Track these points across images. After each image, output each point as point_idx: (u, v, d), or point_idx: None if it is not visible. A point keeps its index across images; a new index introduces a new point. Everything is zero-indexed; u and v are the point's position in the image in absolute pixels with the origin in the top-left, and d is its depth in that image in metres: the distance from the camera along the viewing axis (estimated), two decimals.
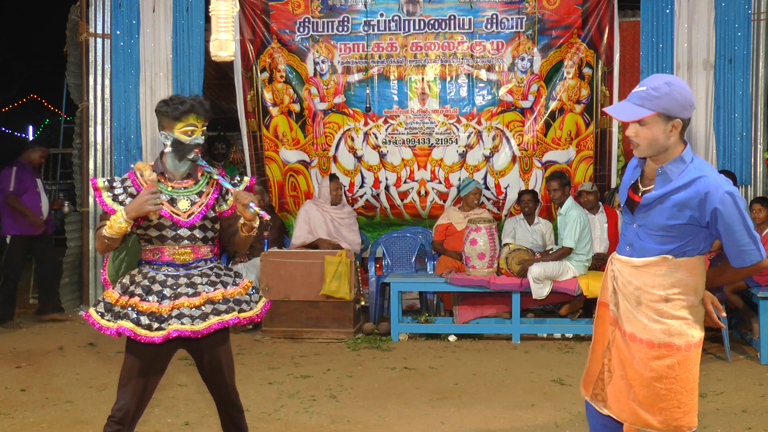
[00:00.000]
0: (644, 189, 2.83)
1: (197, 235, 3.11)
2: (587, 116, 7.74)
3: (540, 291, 6.47)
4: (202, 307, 3.02)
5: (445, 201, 7.92)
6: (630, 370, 2.83)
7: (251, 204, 3.02)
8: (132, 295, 3.02)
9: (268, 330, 6.76)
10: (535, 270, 6.44)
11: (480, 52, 7.81)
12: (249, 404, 4.61)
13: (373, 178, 7.97)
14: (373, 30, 7.87)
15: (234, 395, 3.26)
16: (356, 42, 7.89)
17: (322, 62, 7.90)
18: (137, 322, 2.95)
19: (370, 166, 7.96)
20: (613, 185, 7.68)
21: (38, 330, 7.17)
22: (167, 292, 3.01)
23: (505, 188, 7.89)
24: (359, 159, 7.96)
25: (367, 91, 7.91)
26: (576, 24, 7.65)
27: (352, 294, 6.69)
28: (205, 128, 3.14)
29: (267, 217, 3.05)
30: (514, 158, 7.85)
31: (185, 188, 3.14)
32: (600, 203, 7.24)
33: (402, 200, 8.00)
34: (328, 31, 7.89)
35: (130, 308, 2.99)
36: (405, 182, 7.96)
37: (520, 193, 7.39)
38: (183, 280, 3.05)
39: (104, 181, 3.10)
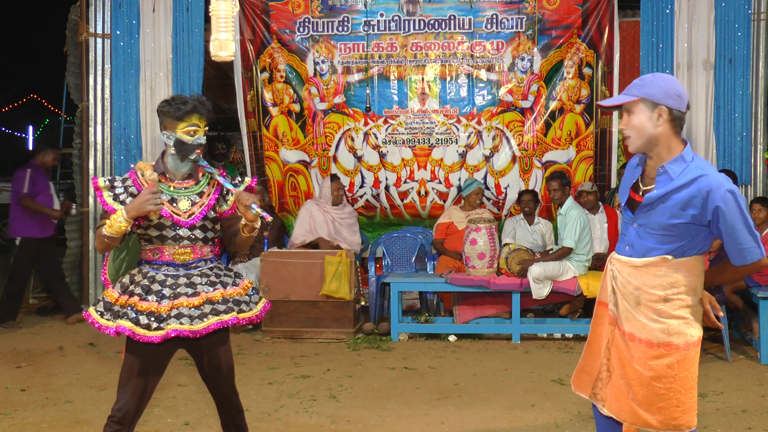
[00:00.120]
0: (645, 188, 2.83)
1: (197, 235, 3.11)
2: (587, 116, 7.74)
3: (540, 291, 6.47)
4: (201, 308, 3.02)
5: (445, 201, 7.92)
6: (629, 370, 2.84)
7: (253, 205, 3.02)
8: (131, 294, 3.02)
9: (268, 330, 6.76)
10: (535, 270, 6.44)
11: (480, 52, 7.81)
12: (249, 404, 4.61)
13: (373, 178, 7.96)
14: (373, 30, 7.87)
15: (234, 395, 3.26)
16: (356, 42, 7.88)
17: (322, 62, 7.90)
18: (136, 322, 2.96)
19: (370, 166, 7.96)
20: (613, 185, 7.68)
21: (38, 330, 7.17)
22: (167, 291, 3.01)
23: (505, 188, 7.89)
24: (359, 159, 7.96)
25: (367, 91, 7.91)
26: (576, 24, 7.65)
27: (352, 294, 6.69)
28: (206, 128, 3.14)
29: (269, 218, 3.05)
30: (514, 158, 7.85)
31: (186, 188, 3.14)
32: (600, 203, 7.24)
33: (402, 200, 8.00)
34: (328, 31, 7.89)
35: (129, 308, 2.99)
36: (405, 182, 7.96)
37: (520, 193, 7.39)
38: (182, 280, 3.05)
39: (105, 181, 3.11)
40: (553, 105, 7.76)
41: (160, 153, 3.19)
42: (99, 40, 7.90)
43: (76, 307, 7.39)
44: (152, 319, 2.96)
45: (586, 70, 7.71)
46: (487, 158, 7.87)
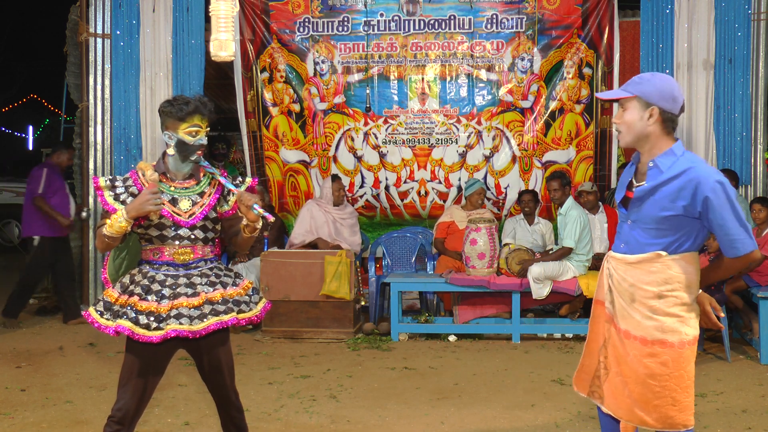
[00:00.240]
0: (637, 184, 2.86)
1: (198, 236, 3.12)
2: (587, 116, 7.74)
3: (540, 291, 6.47)
4: (201, 308, 3.02)
5: (445, 201, 7.92)
6: (625, 368, 2.85)
7: (255, 205, 3.02)
8: (131, 294, 3.02)
9: (268, 330, 6.76)
10: (535, 270, 6.44)
11: (480, 52, 7.81)
12: (249, 404, 4.61)
13: (373, 178, 7.96)
14: (373, 30, 7.86)
15: (234, 395, 3.26)
16: (356, 42, 7.88)
17: (322, 62, 7.90)
18: (136, 322, 2.96)
19: (370, 166, 7.96)
20: (613, 185, 7.67)
21: (38, 330, 7.17)
22: (166, 291, 3.01)
23: (505, 188, 7.89)
24: (359, 159, 7.96)
25: (367, 91, 7.91)
26: (576, 24, 7.65)
27: (352, 294, 6.69)
28: (208, 129, 3.15)
29: (271, 219, 3.05)
30: (514, 158, 7.85)
31: (187, 188, 3.15)
32: (600, 203, 7.24)
33: (402, 200, 8.00)
34: (328, 31, 7.89)
35: (129, 307, 2.99)
36: (405, 182, 7.96)
37: (521, 193, 7.39)
38: (182, 280, 3.05)
39: (106, 180, 3.11)
40: (553, 105, 7.76)
41: (161, 153, 3.19)
42: (99, 40, 7.90)
43: (77, 312, 7.39)
44: (152, 319, 2.96)
45: (586, 70, 7.71)
46: (487, 158, 7.87)
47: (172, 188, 3.13)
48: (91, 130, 7.92)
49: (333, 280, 6.61)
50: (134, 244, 3.13)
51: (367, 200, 8.01)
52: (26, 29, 21.49)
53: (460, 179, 7.87)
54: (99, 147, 7.94)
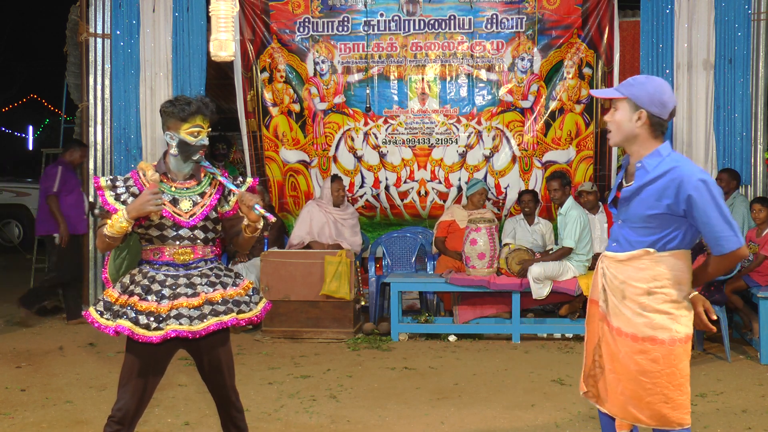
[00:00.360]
0: (626, 185, 2.93)
1: (198, 236, 3.12)
2: (587, 116, 7.74)
3: (540, 291, 6.48)
4: (201, 308, 3.02)
5: (445, 201, 7.92)
6: (617, 365, 2.88)
7: (256, 206, 3.03)
8: (131, 294, 3.02)
9: (268, 330, 6.76)
10: (535, 270, 6.45)
11: (480, 52, 7.81)
12: (249, 404, 4.61)
13: (373, 178, 7.97)
14: (373, 30, 7.87)
15: (234, 395, 3.26)
16: (356, 42, 7.88)
17: (322, 62, 7.90)
18: (135, 322, 2.96)
19: (370, 166, 7.96)
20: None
21: (38, 330, 7.17)
22: (166, 292, 3.01)
23: (505, 188, 7.89)
24: (359, 159, 7.96)
25: (367, 91, 7.91)
26: (576, 24, 7.65)
27: (352, 294, 6.69)
28: (210, 129, 3.15)
29: (272, 219, 3.06)
30: (514, 158, 7.85)
31: (188, 189, 3.15)
32: (600, 203, 7.24)
33: (402, 200, 8.00)
34: (328, 31, 7.89)
35: (128, 307, 2.99)
36: (405, 182, 7.96)
37: (521, 193, 7.39)
38: (182, 281, 3.05)
39: (107, 180, 3.11)
40: (553, 105, 7.77)
41: (162, 153, 3.19)
42: (99, 40, 7.90)
43: (78, 312, 7.39)
44: (151, 319, 2.96)
45: (586, 70, 7.71)
46: (487, 158, 7.87)
47: (173, 188, 3.13)
48: (91, 130, 7.93)
49: (333, 280, 6.61)
50: (135, 244, 3.13)
51: (367, 200, 8.01)
52: (26, 29, 21.49)
53: (460, 179, 7.87)
54: (99, 147, 7.95)
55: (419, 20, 7.82)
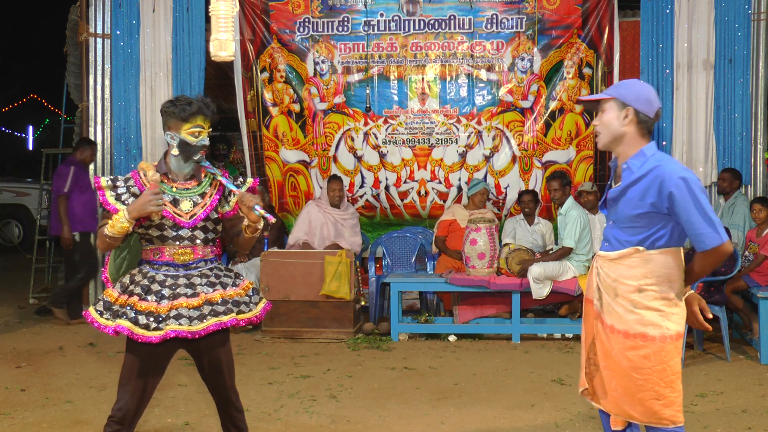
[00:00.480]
0: (614, 186, 3.00)
1: (198, 236, 3.12)
2: (587, 116, 7.74)
3: (540, 291, 6.47)
4: (201, 308, 3.02)
5: (445, 201, 7.92)
6: (611, 362, 2.93)
7: (256, 206, 3.03)
8: (131, 294, 3.02)
9: (268, 330, 6.76)
10: (535, 270, 6.44)
11: (480, 52, 7.81)
12: (249, 404, 4.61)
13: (373, 178, 7.97)
14: (373, 30, 7.87)
15: (234, 395, 3.26)
16: (356, 42, 7.89)
17: (322, 62, 7.90)
18: (135, 322, 2.95)
19: (370, 166, 7.96)
20: None
21: (38, 330, 7.17)
22: (166, 292, 3.01)
23: (505, 188, 7.89)
24: (359, 159, 7.96)
25: (367, 91, 7.91)
26: (576, 24, 7.65)
27: (352, 294, 6.69)
28: (210, 129, 3.15)
29: (272, 219, 3.06)
30: (514, 158, 7.85)
31: (188, 189, 3.15)
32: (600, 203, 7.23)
33: (402, 200, 8.00)
34: (328, 31, 7.89)
35: (128, 307, 2.99)
36: (405, 182, 7.96)
37: (521, 194, 7.39)
38: (182, 281, 3.05)
39: (108, 180, 3.11)
40: (553, 105, 7.77)
41: (163, 153, 3.19)
42: (99, 40, 7.90)
43: (79, 312, 7.39)
44: (151, 319, 2.96)
45: (586, 70, 7.71)
46: (487, 158, 7.87)
47: (174, 189, 3.13)
48: (91, 130, 7.92)
49: (333, 280, 6.61)
50: (135, 244, 3.13)
51: (367, 200, 8.01)
52: (26, 29, 21.49)
53: (460, 179, 7.87)
54: (99, 147, 7.94)
55: (419, 20, 7.82)
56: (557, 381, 5.34)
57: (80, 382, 5.37)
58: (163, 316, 2.96)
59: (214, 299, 3.06)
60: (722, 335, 5.98)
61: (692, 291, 2.95)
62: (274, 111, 8.00)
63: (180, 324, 2.96)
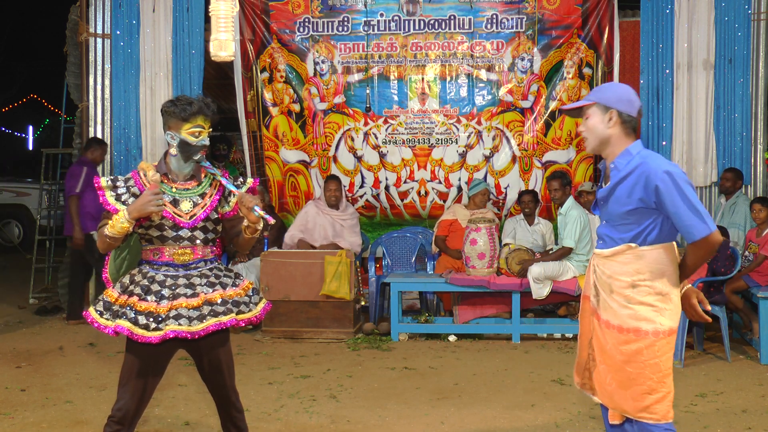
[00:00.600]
0: (604, 187, 3.08)
1: (198, 236, 3.12)
2: None
3: (540, 291, 6.47)
4: (200, 309, 3.02)
5: (445, 201, 7.92)
6: (605, 356, 2.99)
7: (255, 207, 3.02)
8: (131, 294, 3.02)
9: (268, 330, 6.76)
10: (535, 270, 6.44)
11: (480, 52, 7.81)
12: (249, 404, 4.61)
13: (373, 178, 7.97)
14: (373, 30, 7.87)
15: (234, 395, 3.26)
16: (356, 42, 7.89)
17: (322, 62, 7.90)
18: (135, 322, 2.96)
19: (370, 166, 7.96)
20: None
21: (38, 330, 7.17)
22: (166, 292, 3.01)
23: (505, 188, 7.89)
24: (359, 159, 7.96)
25: (367, 91, 7.91)
26: (576, 24, 7.65)
27: (352, 294, 6.69)
28: (211, 130, 3.15)
29: (272, 221, 3.05)
30: (514, 158, 7.85)
31: (188, 189, 3.15)
32: None
33: (402, 200, 8.00)
34: (328, 31, 7.89)
35: (128, 308, 2.99)
36: (405, 182, 7.96)
37: (521, 194, 7.38)
38: (182, 281, 3.05)
39: (108, 181, 3.11)
40: (553, 105, 7.76)
41: (163, 153, 3.19)
42: (99, 40, 7.90)
43: (79, 313, 7.39)
44: (150, 319, 2.96)
45: (586, 70, 7.71)
46: (487, 158, 7.87)
47: (174, 189, 3.13)
48: (91, 130, 7.93)
49: (333, 280, 6.61)
50: (135, 244, 3.13)
51: (367, 200, 8.01)
52: (26, 29, 21.48)
53: (460, 179, 7.87)
54: None
55: (419, 20, 7.82)
56: (557, 381, 5.34)
57: (80, 382, 5.37)
58: (163, 317, 2.96)
59: (213, 299, 3.06)
60: (722, 335, 5.98)
61: (690, 285, 3.00)
62: (274, 111, 8.00)
63: (179, 324, 2.96)
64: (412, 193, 7.98)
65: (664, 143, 7.46)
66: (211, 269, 3.14)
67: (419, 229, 7.90)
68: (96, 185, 3.11)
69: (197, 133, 3.08)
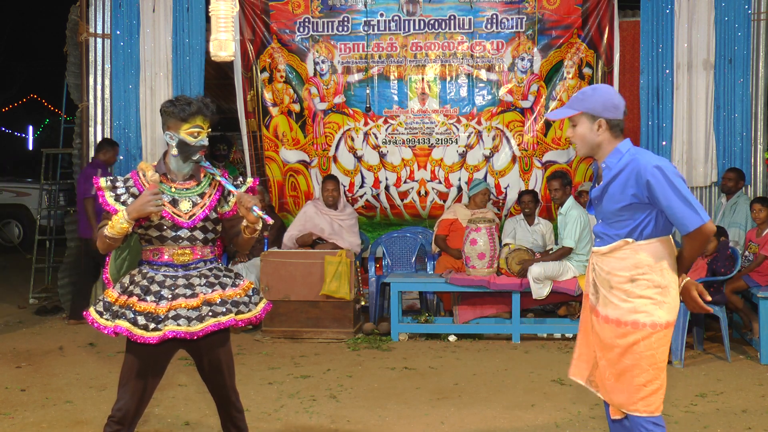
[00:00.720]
0: (597, 186, 3.14)
1: (197, 236, 3.12)
2: None
3: (540, 291, 6.47)
4: (199, 309, 3.02)
5: (445, 201, 7.92)
6: (603, 351, 3.04)
7: (254, 207, 3.02)
8: (130, 294, 3.02)
9: (268, 330, 6.76)
10: (535, 270, 6.44)
11: (480, 52, 7.81)
12: (249, 404, 4.61)
13: (373, 178, 7.96)
14: (373, 30, 7.87)
15: (234, 395, 3.26)
16: (356, 42, 7.89)
17: (322, 62, 7.90)
18: (134, 322, 2.96)
19: (370, 166, 7.96)
20: None
21: (38, 330, 7.17)
22: (165, 292, 3.01)
23: (505, 188, 7.89)
24: (359, 159, 7.96)
25: (367, 91, 7.91)
26: (576, 24, 7.65)
27: (352, 294, 6.69)
28: (210, 130, 3.15)
29: (270, 221, 3.05)
30: (514, 158, 7.85)
31: (187, 189, 3.15)
32: None
33: (402, 200, 8.00)
34: (328, 31, 7.89)
35: (128, 308, 2.99)
36: (405, 182, 7.96)
37: (521, 194, 7.38)
38: (181, 281, 3.05)
39: (107, 181, 3.11)
40: (553, 105, 7.76)
41: (162, 153, 3.19)
42: (99, 40, 7.90)
43: (80, 313, 7.37)
44: (150, 319, 2.96)
45: (586, 70, 7.71)
46: (487, 158, 7.87)
47: (173, 189, 3.13)
48: (91, 130, 7.92)
49: (333, 280, 6.61)
50: (135, 244, 3.13)
51: (367, 200, 8.01)
52: (26, 29, 21.48)
53: (460, 179, 7.87)
54: None
55: (419, 20, 7.82)
56: (557, 381, 5.34)
57: (80, 382, 5.37)
58: (162, 317, 2.96)
59: (212, 300, 3.06)
60: (722, 335, 5.98)
61: (689, 278, 3.04)
62: (274, 111, 8.00)
63: (178, 325, 2.96)
64: (412, 193, 7.98)
65: (664, 143, 7.46)
66: (210, 269, 3.14)
67: (419, 229, 7.90)
68: (95, 186, 3.11)
69: (196, 133, 3.08)
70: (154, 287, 3.02)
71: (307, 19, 7.88)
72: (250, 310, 3.15)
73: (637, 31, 7.64)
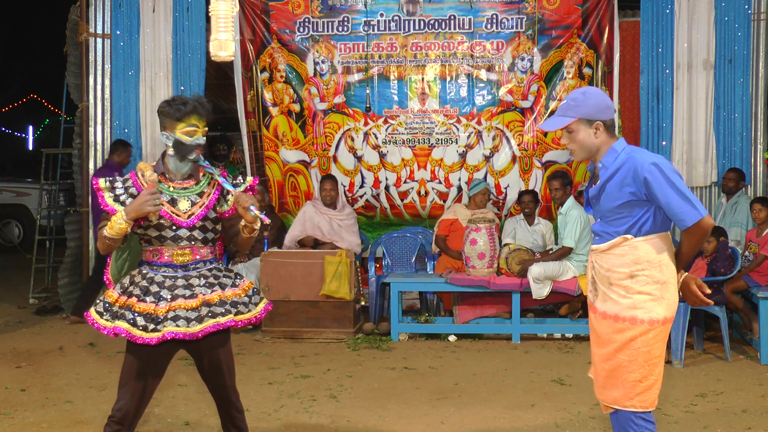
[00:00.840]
0: (594, 186, 3.16)
1: (197, 236, 3.11)
2: None
3: (540, 291, 6.47)
4: (199, 310, 3.01)
5: (445, 201, 7.93)
6: (600, 348, 3.06)
7: (252, 207, 3.02)
8: (130, 295, 3.03)
9: (268, 330, 6.76)
10: (535, 270, 6.44)
11: (480, 52, 7.81)
12: (249, 404, 4.61)
13: (373, 178, 7.97)
14: (373, 30, 7.87)
15: (234, 395, 3.26)
16: (356, 42, 7.89)
17: (322, 62, 7.90)
18: (133, 323, 2.96)
19: (370, 166, 7.96)
20: None
21: (38, 330, 7.17)
22: (164, 293, 3.01)
23: (505, 188, 7.89)
24: (359, 159, 7.96)
25: (367, 91, 7.91)
26: (576, 24, 7.65)
27: (352, 294, 6.69)
28: (206, 129, 3.14)
29: (267, 221, 3.05)
30: (514, 158, 7.85)
31: (186, 189, 3.14)
32: None
33: (402, 200, 8.00)
34: (328, 31, 7.89)
35: (127, 309, 2.99)
36: (405, 182, 7.96)
37: (521, 194, 7.38)
38: (180, 282, 3.05)
39: (106, 181, 3.11)
40: (553, 105, 7.76)
41: (161, 153, 3.20)
42: (99, 40, 7.90)
43: (83, 312, 7.35)
44: (149, 320, 2.96)
45: (586, 70, 7.72)
46: (487, 158, 7.87)
47: (172, 189, 3.13)
48: (91, 130, 7.93)
49: (333, 280, 6.61)
50: (135, 245, 3.13)
51: (367, 200, 8.01)
52: (26, 29, 21.49)
53: (460, 179, 7.87)
54: (99, 147, 7.94)
55: (419, 20, 7.82)
56: (557, 381, 5.34)
57: (80, 382, 5.37)
58: (161, 318, 2.96)
59: (212, 300, 3.06)
60: (722, 335, 5.98)
61: (687, 273, 3.06)
62: (274, 111, 8.00)
63: (177, 326, 2.96)
64: (412, 193, 7.98)
65: (664, 143, 7.46)
66: (210, 270, 3.14)
67: (419, 229, 7.90)
68: (94, 186, 3.11)
69: (191, 132, 3.08)
70: (154, 288, 3.02)
71: (307, 19, 7.88)
72: (249, 311, 3.15)
73: (637, 31, 7.64)
